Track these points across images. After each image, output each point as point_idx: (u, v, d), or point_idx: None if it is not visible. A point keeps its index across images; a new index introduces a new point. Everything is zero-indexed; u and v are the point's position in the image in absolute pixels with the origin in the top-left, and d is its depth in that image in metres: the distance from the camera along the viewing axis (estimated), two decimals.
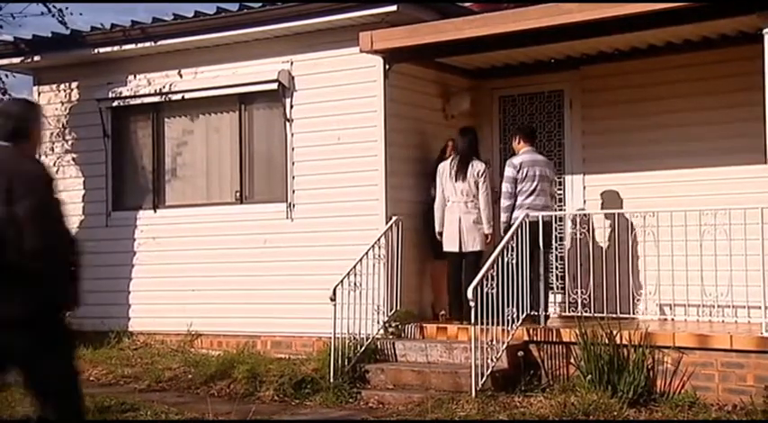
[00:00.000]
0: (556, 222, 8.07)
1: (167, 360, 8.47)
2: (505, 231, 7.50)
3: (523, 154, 7.88)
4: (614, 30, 7.06)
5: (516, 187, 7.74)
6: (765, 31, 6.50)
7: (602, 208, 8.32)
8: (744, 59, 7.36)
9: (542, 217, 7.49)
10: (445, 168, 8.00)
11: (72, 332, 4.09)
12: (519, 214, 7.54)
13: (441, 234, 8.01)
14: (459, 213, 7.90)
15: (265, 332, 8.61)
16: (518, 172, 7.77)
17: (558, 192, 8.63)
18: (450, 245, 7.94)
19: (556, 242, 8.11)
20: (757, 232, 6.66)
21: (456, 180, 7.92)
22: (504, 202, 7.78)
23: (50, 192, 3.93)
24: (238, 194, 9.00)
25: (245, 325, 8.73)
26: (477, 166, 7.93)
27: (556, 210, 8.35)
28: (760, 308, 6.66)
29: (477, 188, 7.89)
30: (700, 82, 7.94)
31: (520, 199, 7.75)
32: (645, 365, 6.55)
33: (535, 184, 7.76)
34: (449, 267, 8.00)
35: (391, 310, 7.80)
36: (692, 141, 8.01)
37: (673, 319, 7.57)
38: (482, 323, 6.79)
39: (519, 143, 8.00)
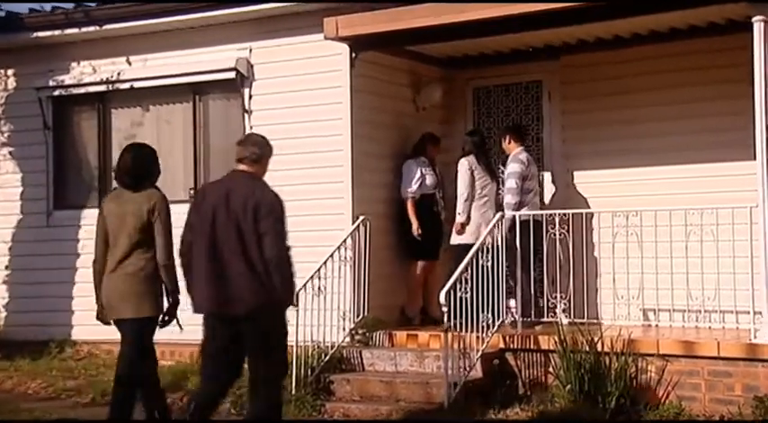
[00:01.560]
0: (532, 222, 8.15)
1: (114, 371, 8.40)
2: (510, 229, 7.66)
3: (524, 152, 8.11)
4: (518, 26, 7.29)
5: (524, 184, 7.93)
6: (755, 19, 6.63)
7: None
8: (733, 49, 7.47)
9: (532, 217, 7.66)
10: (475, 165, 8.24)
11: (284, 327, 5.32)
12: (521, 212, 7.75)
13: (463, 225, 8.21)
14: (490, 209, 8.22)
15: None
16: (526, 168, 7.96)
17: None
18: (476, 237, 8.02)
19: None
20: (746, 233, 6.80)
21: (492, 180, 8.32)
22: (514, 199, 7.93)
23: (284, 212, 5.25)
24: (193, 192, 8.97)
25: (200, 332, 8.68)
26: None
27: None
28: (748, 313, 6.80)
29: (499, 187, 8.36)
30: (688, 72, 8.05)
31: (525, 197, 7.92)
32: (627, 374, 6.66)
33: (536, 183, 8.08)
34: (457, 261, 8.00)
35: (358, 317, 7.84)
36: (677, 136, 8.12)
37: (657, 325, 7.69)
38: (455, 330, 6.85)
39: (510, 143, 8.19)
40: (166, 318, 5.68)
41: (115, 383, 5.81)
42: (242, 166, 5.33)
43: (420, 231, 8.22)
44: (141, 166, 5.71)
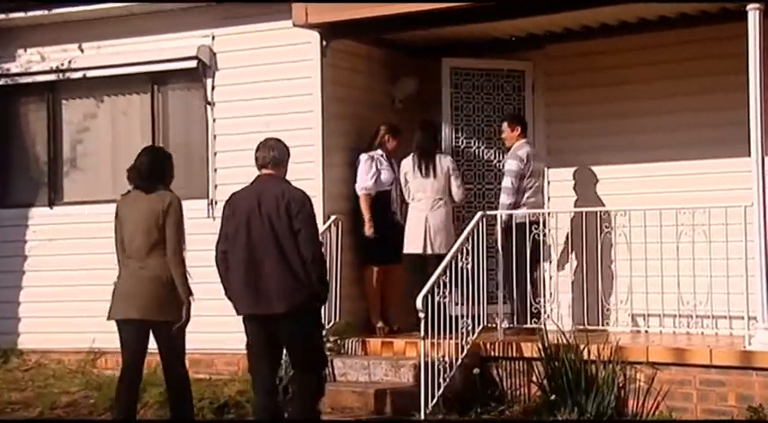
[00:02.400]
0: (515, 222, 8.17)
1: (65, 383, 8.41)
2: (504, 233, 7.70)
3: (525, 146, 8.06)
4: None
5: (521, 183, 7.92)
6: (749, 7, 6.71)
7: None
8: (727, 39, 7.52)
9: (515, 217, 7.68)
10: (409, 164, 8.15)
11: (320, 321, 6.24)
12: (500, 212, 7.79)
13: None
14: (426, 212, 8.06)
15: None
16: (525, 166, 7.93)
17: None
18: (413, 246, 8.03)
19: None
20: (740, 233, 6.89)
21: (426, 177, 8.09)
22: (508, 200, 7.93)
23: (314, 209, 5.90)
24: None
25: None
26: (445, 162, 8.17)
27: None
28: (743, 318, 6.90)
29: (449, 185, 8.14)
30: (680, 64, 8.15)
31: (523, 197, 7.92)
32: (615, 383, 6.73)
33: (539, 181, 8.05)
34: (408, 271, 8.05)
35: (329, 323, 7.86)
36: (668, 131, 8.23)
37: (646, 331, 7.78)
38: (433, 337, 6.89)
39: (519, 134, 8.12)
40: (183, 319, 6.10)
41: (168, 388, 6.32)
42: (266, 171, 6.03)
43: (372, 231, 8.11)
44: (156, 168, 6.18)
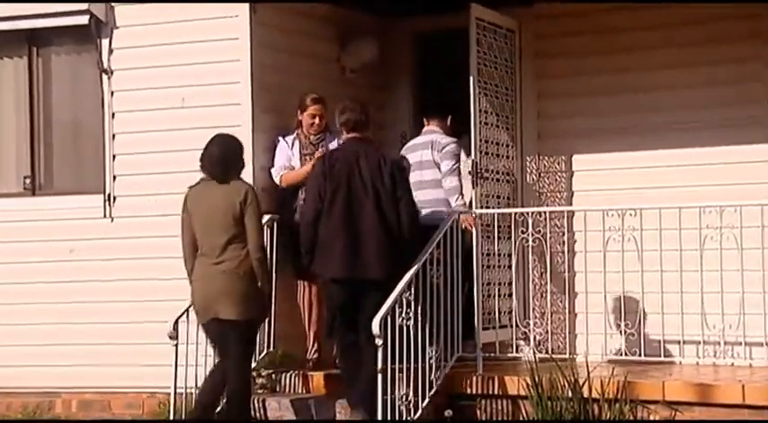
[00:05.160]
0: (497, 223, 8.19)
1: None
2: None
3: (413, 139, 8.34)
4: None
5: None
6: None
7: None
8: None
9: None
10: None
11: None
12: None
13: None
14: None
15: (69, 387, 8.58)
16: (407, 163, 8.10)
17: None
18: None
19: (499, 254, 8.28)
20: None
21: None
22: None
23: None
24: (29, 182, 8.96)
25: (37, 377, 8.66)
26: None
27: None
28: None
29: None
30: (700, 27, 8.26)
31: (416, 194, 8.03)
32: None
33: (415, 174, 8.06)
34: None
35: (261, 352, 7.85)
36: (688, 110, 8.33)
37: (662, 363, 7.83)
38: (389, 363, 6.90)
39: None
40: (264, 315, 7.05)
41: (228, 396, 6.98)
42: (355, 134, 7.14)
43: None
44: (229, 156, 6.94)
